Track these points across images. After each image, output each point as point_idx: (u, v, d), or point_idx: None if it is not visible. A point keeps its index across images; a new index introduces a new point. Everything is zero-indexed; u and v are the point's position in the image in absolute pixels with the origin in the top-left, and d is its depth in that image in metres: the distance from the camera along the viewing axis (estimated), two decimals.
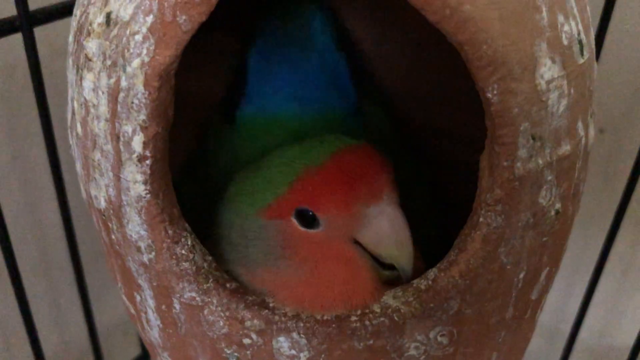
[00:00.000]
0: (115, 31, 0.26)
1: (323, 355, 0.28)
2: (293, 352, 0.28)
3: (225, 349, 0.29)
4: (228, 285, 0.29)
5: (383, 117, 0.41)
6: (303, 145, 0.31)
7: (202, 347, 0.30)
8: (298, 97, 0.37)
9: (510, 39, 0.24)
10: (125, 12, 0.26)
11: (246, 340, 0.29)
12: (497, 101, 0.25)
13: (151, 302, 0.31)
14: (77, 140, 0.29)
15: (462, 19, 0.24)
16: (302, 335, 0.28)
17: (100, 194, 0.29)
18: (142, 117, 0.26)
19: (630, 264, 0.57)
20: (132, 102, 0.26)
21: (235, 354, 0.29)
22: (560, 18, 0.26)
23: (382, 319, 0.28)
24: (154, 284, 0.29)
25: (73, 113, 0.29)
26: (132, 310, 0.33)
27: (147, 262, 0.29)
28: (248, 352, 0.29)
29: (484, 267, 0.28)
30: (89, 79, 0.27)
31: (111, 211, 0.29)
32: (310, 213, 0.28)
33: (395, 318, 0.28)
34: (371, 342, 0.28)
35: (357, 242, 0.29)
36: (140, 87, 0.26)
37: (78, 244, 0.45)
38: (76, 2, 0.30)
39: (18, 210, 0.50)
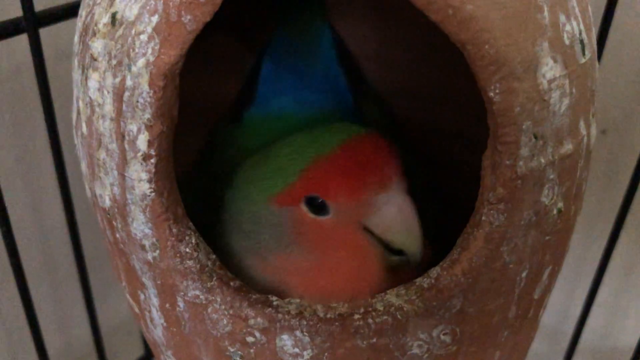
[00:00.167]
0: (120, 31, 0.26)
1: (326, 354, 0.29)
2: (296, 350, 0.29)
3: (229, 347, 0.30)
4: (232, 283, 0.29)
5: (381, 116, 0.42)
6: (313, 133, 0.31)
7: (206, 345, 0.30)
8: (302, 101, 0.38)
9: (512, 38, 0.25)
10: (130, 12, 0.26)
11: (249, 339, 0.29)
12: (499, 100, 0.25)
13: (155, 301, 0.31)
14: (83, 140, 0.30)
15: (464, 19, 0.24)
16: (305, 333, 0.28)
17: (105, 192, 0.29)
18: (147, 116, 0.26)
19: (633, 265, 0.57)
20: (137, 101, 0.26)
21: (239, 352, 0.29)
22: (562, 18, 0.26)
23: (385, 317, 0.28)
24: (158, 282, 0.30)
25: (78, 113, 0.30)
26: (136, 309, 0.33)
27: (152, 261, 0.29)
28: (251, 350, 0.29)
29: (487, 266, 0.28)
30: (94, 79, 0.27)
31: (116, 210, 0.29)
32: (320, 200, 0.29)
33: (398, 316, 0.28)
34: (374, 340, 0.28)
35: (366, 229, 0.30)
36: (145, 87, 0.26)
37: (82, 244, 0.45)
38: (81, 3, 0.30)
39: (22, 210, 0.51)
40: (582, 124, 0.28)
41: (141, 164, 0.27)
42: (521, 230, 0.27)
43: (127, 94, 0.26)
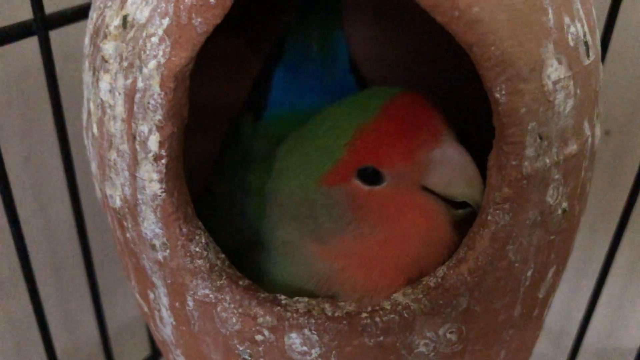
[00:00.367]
0: (131, 33, 0.27)
1: (334, 352, 0.29)
2: (305, 348, 0.29)
3: (238, 346, 0.30)
4: (241, 282, 0.29)
5: None
6: (349, 105, 0.30)
7: (215, 344, 0.31)
8: (318, 106, 0.38)
9: (518, 40, 0.25)
10: (141, 15, 0.26)
11: (258, 337, 0.29)
12: (505, 101, 0.25)
13: (165, 300, 0.31)
14: (93, 141, 0.30)
15: (471, 21, 0.24)
16: (313, 331, 0.28)
17: (116, 193, 0.29)
18: (158, 117, 0.26)
19: (637, 265, 0.57)
20: (149, 103, 0.26)
21: (248, 350, 0.30)
22: (566, 20, 0.26)
23: (392, 315, 0.28)
24: (168, 281, 0.30)
25: (89, 114, 0.30)
26: (146, 309, 0.34)
27: (162, 260, 0.29)
28: (260, 348, 0.30)
29: (493, 265, 0.28)
30: (105, 80, 0.28)
31: (126, 210, 0.29)
32: (373, 170, 0.28)
33: (405, 315, 0.28)
34: (381, 338, 0.29)
35: (425, 189, 0.29)
36: (156, 88, 0.26)
37: (90, 244, 0.45)
38: (92, 6, 0.30)
39: (31, 210, 0.51)
40: (586, 124, 0.28)
41: (152, 164, 0.27)
42: (526, 229, 0.28)
43: (138, 95, 0.27)
